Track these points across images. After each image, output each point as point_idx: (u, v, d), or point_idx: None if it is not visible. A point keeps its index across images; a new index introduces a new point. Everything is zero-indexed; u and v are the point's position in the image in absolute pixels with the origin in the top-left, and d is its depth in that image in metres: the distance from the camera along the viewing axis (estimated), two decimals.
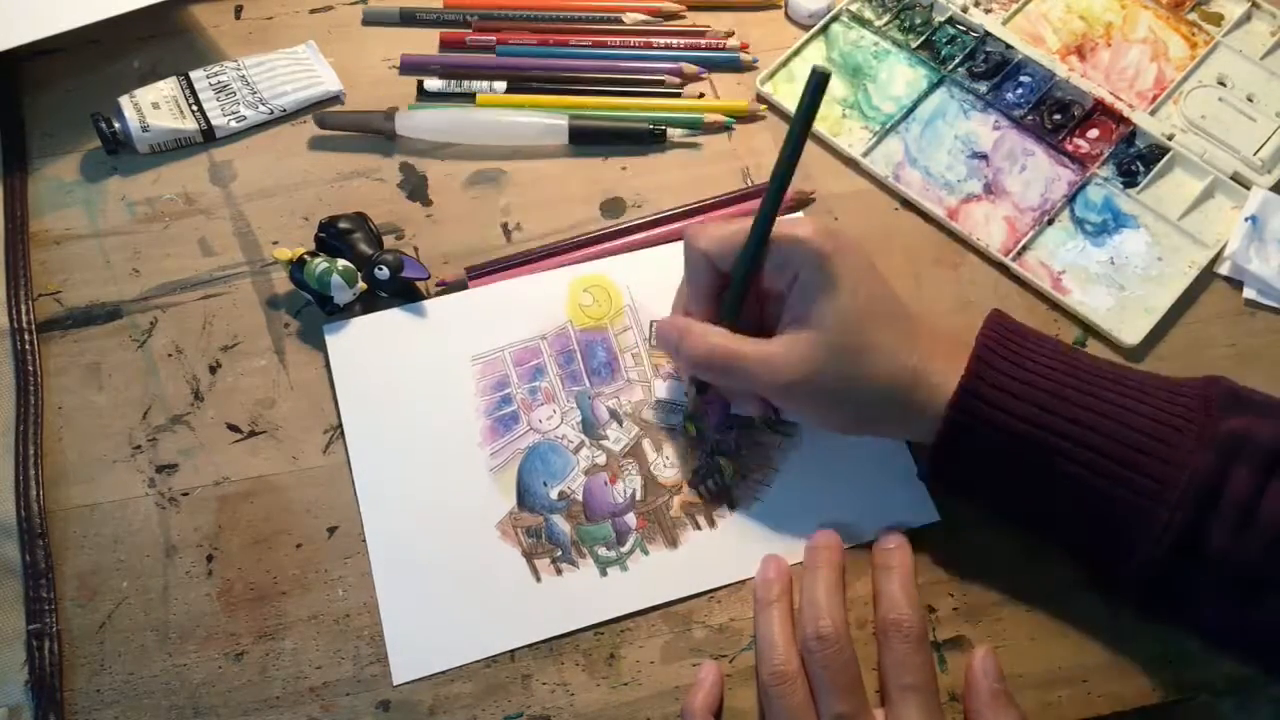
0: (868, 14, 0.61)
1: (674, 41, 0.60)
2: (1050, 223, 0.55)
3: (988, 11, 0.61)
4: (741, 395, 0.47)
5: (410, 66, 0.59)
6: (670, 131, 0.56)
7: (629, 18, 0.60)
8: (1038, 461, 0.42)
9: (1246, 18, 0.60)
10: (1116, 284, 0.53)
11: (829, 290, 0.42)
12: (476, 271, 0.53)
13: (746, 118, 0.58)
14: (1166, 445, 0.40)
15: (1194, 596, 0.41)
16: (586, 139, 0.56)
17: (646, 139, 0.56)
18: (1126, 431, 0.41)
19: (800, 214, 0.55)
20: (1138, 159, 0.56)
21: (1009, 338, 0.43)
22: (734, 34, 0.60)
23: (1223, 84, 0.58)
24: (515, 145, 0.56)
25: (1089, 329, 0.52)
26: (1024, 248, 0.54)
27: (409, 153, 0.56)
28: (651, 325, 0.51)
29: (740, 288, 0.44)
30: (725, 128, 0.57)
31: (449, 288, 0.52)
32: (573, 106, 0.57)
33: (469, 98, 0.57)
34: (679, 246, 0.53)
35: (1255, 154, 0.56)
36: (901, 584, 0.44)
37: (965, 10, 0.60)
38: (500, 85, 0.58)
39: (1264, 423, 0.41)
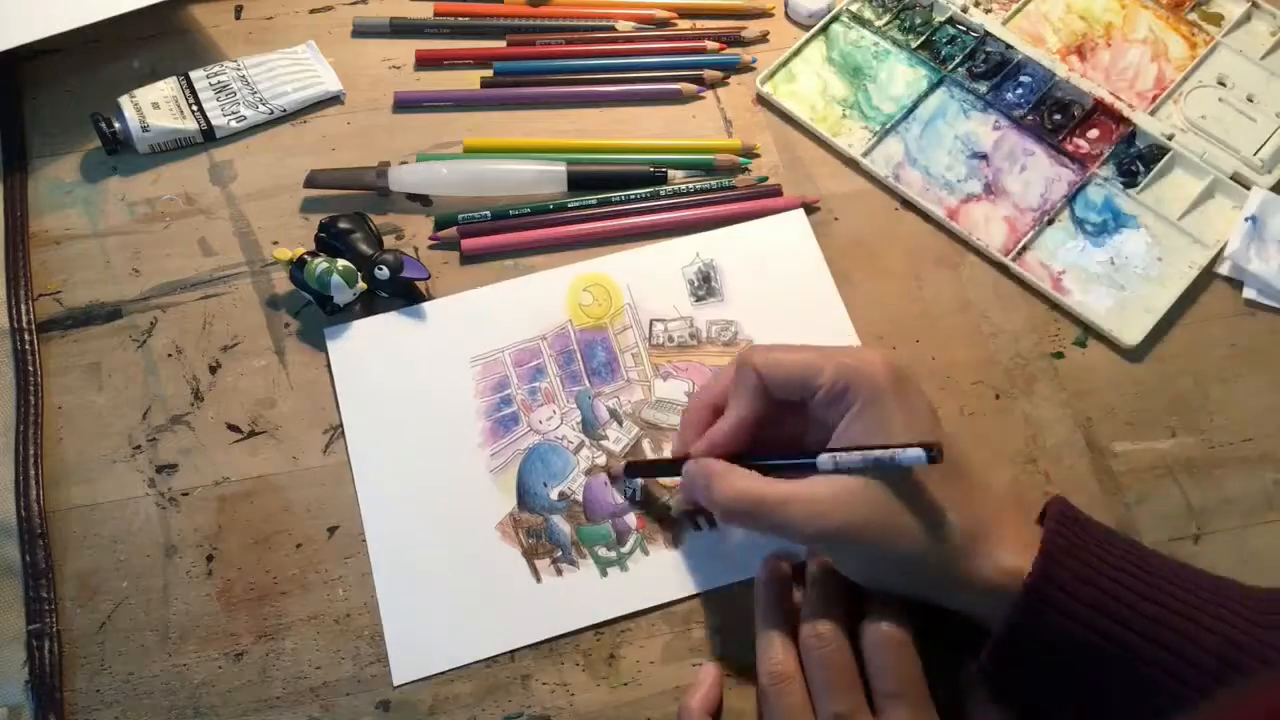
0: (868, 14, 0.61)
1: (673, 46, 0.60)
2: (1050, 223, 0.55)
3: (988, 11, 0.61)
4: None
5: (405, 104, 0.57)
6: (670, 173, 0.55)
7: (621, 25, 0.60)
8: (1100, 667, 0.38)
9: (1246, 18, 0.60)
10: (1116, 284, 0.53)
11: (886, 431, 0.39)
12: (468, 232, 0.53)
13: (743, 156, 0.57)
14: (1236, 661, 0.37)
15: None
16: (586, 185, 0.54)
17: (648, 183, 0.55)
18: (1194, 650, 0.37)
19: (800, 210, 0.55)
20: (1138, 159, 0.56)
21: (1078, 533, 0.40)
22: (743, 30, 0.60)
23: (1223, 84, 0.58)
24: (514, 195, 0.55)
25: (1089, 329, 0.52)
26: (1024, 248, 0.54)
27: (408, 152, 0.56)
28: (651, 325, 0.51)
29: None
30: (740, 169, 0.56)
31: (441, 243, 0.53)
32: (574, 149, 0.56)
33: None
34: (678, 243, 0.53)
35: (1255, 154, 0.56)
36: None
37: (965, 10, 0.60)
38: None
39: None
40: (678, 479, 0.45)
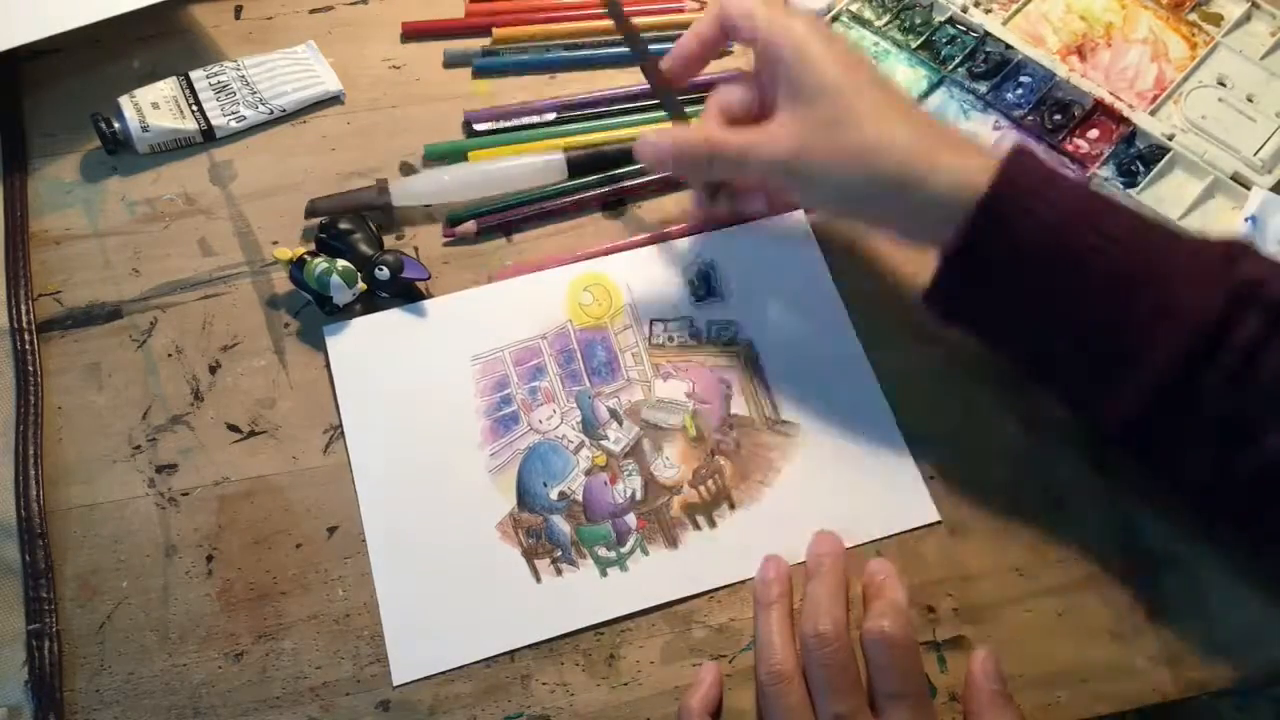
0: (867, 14, 0.61)
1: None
2: None
3: (988, 12, 0.61)
4: (745, 194, 0.50)
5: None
6: None
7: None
8: (1052, 274, 0.41)
9: (1246, 18, 0.60)
10: None
11: (810, 62, 0.43)
12: (485, 225, 0.53)
13: None
14: (1179, 278, 0.40)
15: (1178, 440, 0.40)
16: (586, 169, 0.55)
17: None
18: (1147, 256, 0.40)
19: (801, 211, 0.55)
20: (1138, 159, 0.56)
21: (1036, 159, 0.42)
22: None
23: (1223, 84, 0.58)
24: (519, 190, 0.55)
25: None
26: None
27: (409, 152, 0.56)
28: (651, 325, 0.51)
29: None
30: None
31: (457, 240, 0.53)
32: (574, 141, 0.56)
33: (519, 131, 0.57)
34: (678, 243, 0.54)
35: (1255, 154, 0.56)
36: (889, 595, 0.44)
37: (965, 10, 0.60)
38: (549, 115, 0.57)
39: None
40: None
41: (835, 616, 0.42)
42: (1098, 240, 0.40)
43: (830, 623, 0.42)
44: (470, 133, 0.57)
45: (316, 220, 0.52)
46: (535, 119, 0.57)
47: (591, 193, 0.55)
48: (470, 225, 0.53)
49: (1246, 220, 0.54)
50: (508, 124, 0.57)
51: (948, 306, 0.45)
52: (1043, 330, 0.43)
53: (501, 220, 0.54)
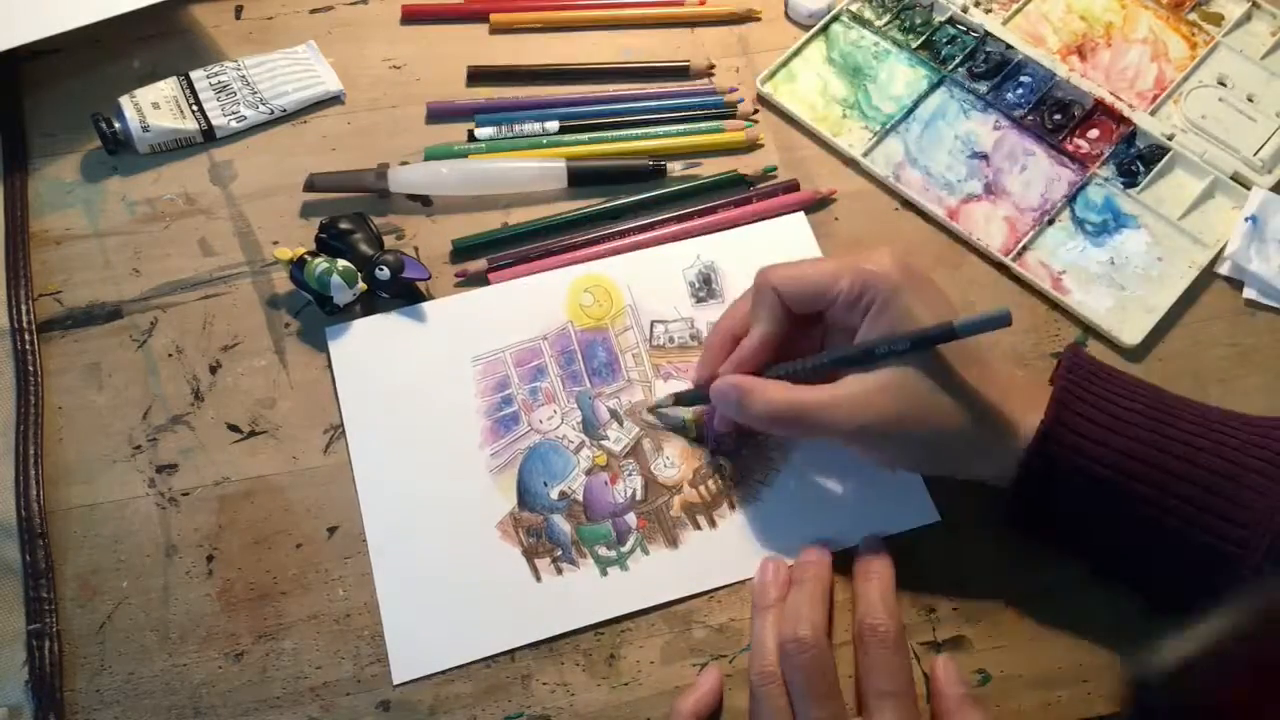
0: (868, 14, 0.61)
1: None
2: (1050, 223, 0.55)
3: (988, 11, 0.61)
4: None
5: (437, 114, 0.57)
6: (670, 165, 0.55)
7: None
8: (1118, 505, 0.41)
9: (1246, 18, 0.60)
10: (1117, 284, 0.53)
11: (909, 321, 0.42)
12: (496, 264, 0.53)
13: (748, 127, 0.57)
14: (1254, 491, 0.40)
15: None
16: (587, 181, 0.55)
17: (647, 175, 0.55)
18: (1211, 477, 0.40)
19: (801, 213, 0.55)
20: (1138, 159, 0.56)
21: (1090, 378, 0.43)
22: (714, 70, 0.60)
23: (1223, 84, 0.58)
24: (514, 192, 0.55)
25: (1089, 329, 0.52)
26: (1024, 248, 0.54)
27: (409, 153, 0.56)
28: (651, 326, 0.51)
29: (812, 374, 0.44)
30: (768, 175, 0.56)
31: (469, 280, 0.52)
32: (575, 143, 0.56)
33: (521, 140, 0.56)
34: (679, 245, 0.54)
35: (1255, 154, 0.56)
36: (880, 591, 0.44)
37: (965, 10, 0.60)
38: (553, 125, 0.57)
39: None
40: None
41: (814, 622, 0.42)
42: (1158, 478, 0.40)
43: (808, 627, 0.42)
44: (470, 138, 0.57)
45: (316, 221, 0.52)
46: (539, 129, 0.57)
47: (597, 232, 0.54)
48: (480, 264, 0.53)
49: (1247, 220, 0.54)
50: (510, 133, 0.57)
51: (1027, 531, 0.45)
52: (1119, 555, 0.43)
53: (513, 256, 0.53)
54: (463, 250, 0.53)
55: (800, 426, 0.44)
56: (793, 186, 0.55)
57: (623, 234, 0.54)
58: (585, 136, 0.56)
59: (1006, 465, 0.42)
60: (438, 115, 0.57)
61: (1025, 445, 0.42)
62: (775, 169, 0.56)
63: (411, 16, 0.60)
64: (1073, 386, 0.42)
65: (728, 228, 0.54)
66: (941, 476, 0.46)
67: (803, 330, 0.45)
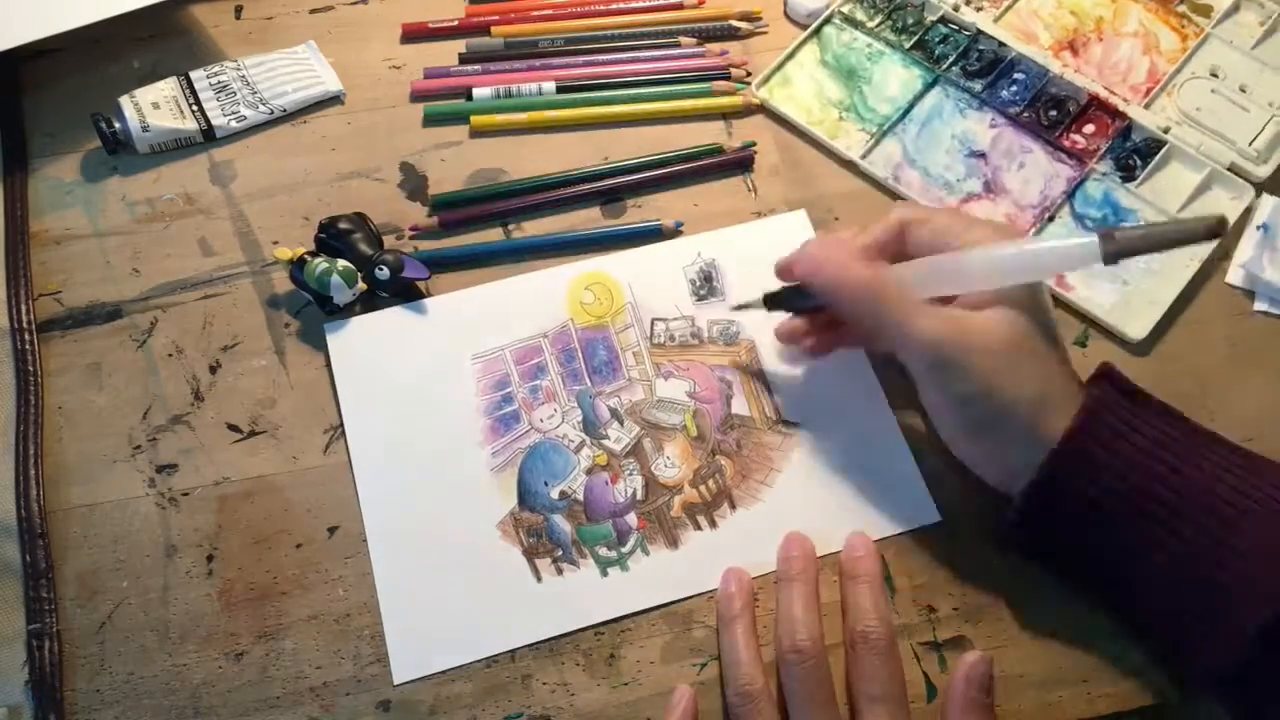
0: (859, 15, 0.61)
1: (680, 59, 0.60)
2: (1051, 219, 0.55)
3: (979, 10, 0.61)
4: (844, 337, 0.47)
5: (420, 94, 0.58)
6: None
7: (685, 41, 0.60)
8: (1131, 528, 0.40)
9: (1235, 8, 0.60)
10: (1119, 279, 0.53)
11: (1020, 289, 0.42)
12: (448, 216, 0.54)
13: (742, 113, 0.58)
14: (1270, 529, 0.38)
15: (1277, 695, 0.38)
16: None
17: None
18: (1230, 511, 0.39)
19: (803, 211, 0.55)
20: (1135, 153, 0.56)
21: (1119, 396, 0.42)
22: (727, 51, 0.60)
23: (1215, 75, 0.58)
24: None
25: (1094, 325, 0.52)
26: None
27: (409, 152, 0.56)
28: (652, 324, 0.51)
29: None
30: (747, 166, 0.56)
31: (420, 234, 0.53)
32: (579, 120, 0.57)
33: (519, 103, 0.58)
34: (680, 243, 0.54)
35: (1251, 144, 0.56)
36: (870, 593, 0.43)
37: (956, 9, 0.60)
38: (549, 86, 0.57)
39: None
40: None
41: (811, 628, 0.42)
42: (1171, 500, 0.39)
43: (807, 636, 0.42)
44: (469, 98, 0.58)
45: (316, 221, 0.52)
46: (535, 89, 0.57)
47: (590, 185, 0.55)
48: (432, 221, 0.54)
49: (1259, 229, 0.54)
50: (511, 97, 0.57)
51: (1026, 547, 0.44)
52: (1121, 583, 0.42)
53: (499, 209, 0.54)
54: (442, 205, 0.54)
55: (883, 316, 0.42)
56: (747, 159, 0.56)
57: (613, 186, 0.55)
58: (581, 97, 0.57)
59: (1023, 460, 0.41)
60: (422, 95, 0.58)
61: (1044, 442, 0.41)
62: (754, 144, 0.57)
63: (411, 36, 0.60)
64: (1103, 400, 0.41)
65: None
66: (942, 473, 0.46)
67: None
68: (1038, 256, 0.41)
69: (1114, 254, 0.38)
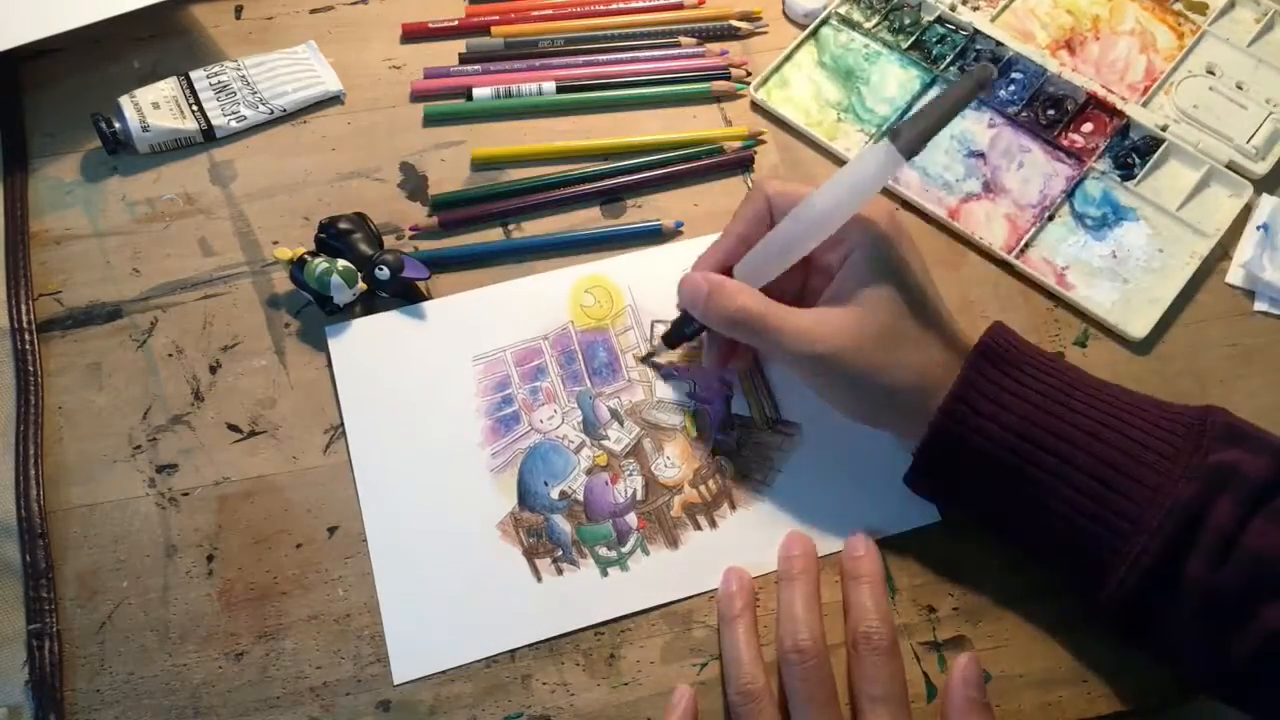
0: (856, 16, 0.61)
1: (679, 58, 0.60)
2: (1051, 219, 0.55)
3: (975, 9, 0.61)
4: (723, 355, 0.47)
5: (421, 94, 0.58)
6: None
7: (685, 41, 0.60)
8: (1017, 481, 0.41)
9: (1231, 5, 0.60)
10: (1120, 277, 0.53)
11: (883, 274, 0.42)
12: (447, 216, 0.54)
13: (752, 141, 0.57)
14: (1152, 471, 0.40)
15: (1170, 627, 0.40)
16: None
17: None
18: (1112, 453, 0.41)
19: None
20: (1133, 151, 0.56)
21: (1004, 351, 0.43)
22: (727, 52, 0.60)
23: (1212, 73, 0.59)
24: None
25: (1095, 324, 0.52)
26: (1026, 245, 0.54)
27: (409, 152, 0.56)
28: (652, 326, 0.51)
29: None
30: (747, 166, 0.56)
31: (420, 234, 0.53)
32: (582, 151, 0.56)
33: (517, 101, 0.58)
34: (680, 246, 0.54)
35: (1248, 141, 0.56)
36: (871, 594, 0.44)
37: (953, 9, 0.60)
38: (549, 86, 0.57)
39: (1255, 458, 0.40)
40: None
41: (813, 628, 0.42)
42: (1052, 450, 0.41)
43: (809, 635, 0.42)
44: (469, 98, 0.58)
45: (316, 221, 0.52)
46: (535, 89, 0.57)
47: (590, 185, 0.55)
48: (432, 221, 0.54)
49: (1259, 229, 0.54)
50: (511, 97, 0.58)
51: (931, 494, 0.46)
52: (1016, 530, 0.44)
53: (499, 210, 0.54)
54: (442, 204, 0.54)
55: (758, 337, 0.44)
56: (747, 159, 0.56)
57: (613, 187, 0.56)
58: (581, 97, 0.57)
59: (918, 428, 0.43)
60: (422, 95, 0.58)
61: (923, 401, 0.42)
62: (753, 143, 0.57)
63: (411, 36, 0.60)
64: (981, 362, 0.42)
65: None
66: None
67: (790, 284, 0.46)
68: (836, 186, 0.42)
69: (909, 146, 0.39)
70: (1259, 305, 0.53)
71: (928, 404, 0.42)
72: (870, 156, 0.41)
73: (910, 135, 0.39)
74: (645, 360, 0.50)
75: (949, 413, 0.42)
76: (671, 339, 0.49)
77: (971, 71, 0.37)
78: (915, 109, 0.37)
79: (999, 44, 0.59)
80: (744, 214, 0.46)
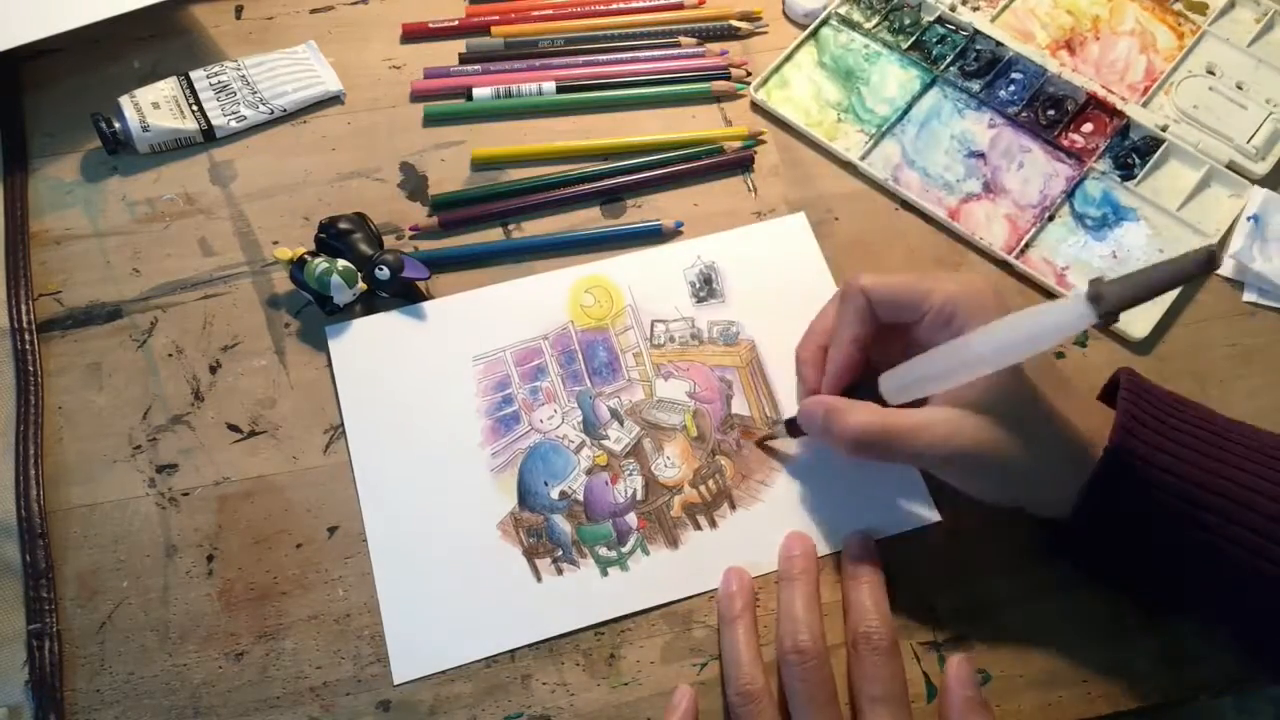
0: (856, 16, 0.61)
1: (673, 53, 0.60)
2: (1051, 219, 0.55)
3: (975, 10, 0.61)
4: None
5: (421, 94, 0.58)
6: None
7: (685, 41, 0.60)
8: (1181, 535, 0.40)
9: (1230, 5, 0.61)
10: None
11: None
12: (447, 216, 0.54)
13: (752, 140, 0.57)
14: None
15: None
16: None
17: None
18: (1274, 506, 0.39)
19: (802, 214, 0.55)
20: (1133, 151, 0.56)
21: (1148, 402, 0.42)
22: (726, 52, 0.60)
23: (1211, 73, 0.59)
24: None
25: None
26: (1027, 245, 0.54)
27: (409, 152, 0.56)
28: (652, 325, 0.51)
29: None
30: (747, 166, 0.56)
31: (420, 234, 0.53)
32: (580, 151, 0.56)
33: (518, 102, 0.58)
34: (680, 246, 0.54)
35: (1249, 141, 0.56)
36: (871, 594, 0.44)
37: (953, 9, 0.60)
38: (549, 86, 0.57)
39: None
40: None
41: (813, 628, 0.42)
42: (1221, 506, 0.39)
43: (809, 635, 0.42)
44: (469, 98, 0.58)
45: (316, 221, 0.52)
46: (535, 89, 0.58)
47: (590, 185, 0.55)
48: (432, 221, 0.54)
49: (1249, 219, 0.54)
50: (511, 97, 0.58)
51: (1089, 557, 0.44)
52: (1181, 584, 0.42)
53: (499, 210, 0.54)
54: (442, 204, 0.54)
55: (889, 452, 0.42)
56: (747, 159, 0.56)
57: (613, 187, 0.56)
58: (580, 97, 0.57)
59: (1070, 493, 0.41)
60: (422, 95, 0.58)
61: (1082, 469, 0.40)
62: (753, 143, 0.57)
63: (411, 36, 0.60)
64: (1135, 410, 0.41)
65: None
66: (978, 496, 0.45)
67: (891, 343, 0.44)
68: (1014, 329, 0.38)
69: (1108, 312, 0.35)
70: (1247, 295, 0.53)
71: (1079, 465, 0.41)
72: (1063, 312, 0.36)
73: (1112, 301, 0.35)
74: (760, 444, 0.49)
75: (1116, 460, 0.40)
76: (792, 427, 0.47)
77: (1193, 251, 0.34)
78: (1125, 272, 0.34)
79: (999, 44, 0.59)
80: (847, 317, 0.44)
